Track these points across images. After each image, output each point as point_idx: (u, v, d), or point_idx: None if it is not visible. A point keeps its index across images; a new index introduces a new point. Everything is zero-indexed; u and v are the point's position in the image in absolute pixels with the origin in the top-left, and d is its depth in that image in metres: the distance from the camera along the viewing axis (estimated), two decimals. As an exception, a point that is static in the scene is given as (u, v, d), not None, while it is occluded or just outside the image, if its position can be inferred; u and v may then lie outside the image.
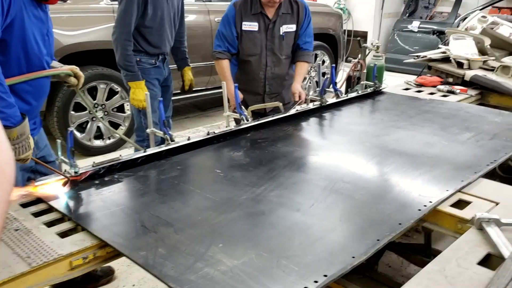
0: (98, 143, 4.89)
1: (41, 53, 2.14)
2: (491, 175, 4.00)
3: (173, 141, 2.40)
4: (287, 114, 3.03)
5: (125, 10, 3.27)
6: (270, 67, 3.30)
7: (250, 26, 3.20)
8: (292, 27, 3.26)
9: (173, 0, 3.53)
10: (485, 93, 4.04)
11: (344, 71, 6.31)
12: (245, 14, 3.20)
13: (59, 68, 2.23)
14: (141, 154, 2.30)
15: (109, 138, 4.92)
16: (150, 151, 2.33)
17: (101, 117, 4.75)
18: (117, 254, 1.66)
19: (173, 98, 5.08)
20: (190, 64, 3.92)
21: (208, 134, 2.59)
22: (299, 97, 3.24)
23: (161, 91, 3.67)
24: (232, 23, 3.23)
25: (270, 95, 3.44)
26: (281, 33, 3.23)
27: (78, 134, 4.72)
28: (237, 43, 3.28)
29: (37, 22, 2.06)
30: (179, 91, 3.98)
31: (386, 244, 2.62)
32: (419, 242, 2.83)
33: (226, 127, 2.74)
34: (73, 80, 2.28)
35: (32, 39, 2.05)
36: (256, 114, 3.06)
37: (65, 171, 2.03)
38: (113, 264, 2.83)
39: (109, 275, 2.85)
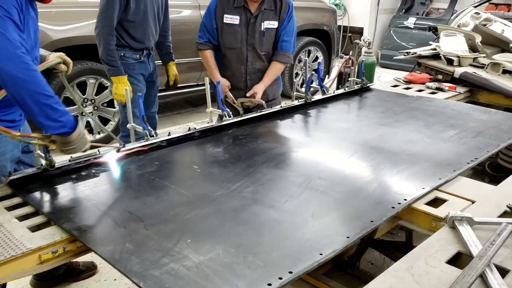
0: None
1: (37, 49, 2.17)
2: (481, 173, 4.01)
3: (152, 136, 2.40)
4: (271, 110, 3.02)
5: (107, 4, 3.26)
6: (251, 61, 3.28)
7: (231, 19, 3.18)
8: (274, 24, 3.22)
9: None
10: (475, 90, 4.03)
11: (338, 67, 6.31)
12: (227, 7, 3.19)
13: (49, 60, 2.24)
14: (119, 148, 2.30)
15: (99, 133, 4.91)
16: (128, 145, 2.33)
17: (90, 112, 4.74)
18: (87, 249, 1.66)
19: (164, 93, 5.10)
20: (182, 60, 3.89)
21: (189, 129, 2.59)
22: (254, 97, 3.20)
23: (146, 86, 3.66)
24: (213, 14, 3.22)
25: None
26: (262, 29, 3.20)
27: (67, 129, 4.70)
28: (217, 35, 3.27)
29: (31, 21, 2.07)
30: (163, 87, 3.96)
31: (368, 242, 2.67)
32: (403, 240, 2.83)
33: (208, 123, 2.73)
34: (63, 67, 2.29)
35: (32, 37, 2.07)
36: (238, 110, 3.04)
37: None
38: (96, 258, 2.84)
39: (91, 270, 2.85)
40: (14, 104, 2.04)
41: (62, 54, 2.30)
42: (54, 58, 2.25)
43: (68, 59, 2.30)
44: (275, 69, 3.31)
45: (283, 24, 3.24)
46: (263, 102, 3.00)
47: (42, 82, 1.86)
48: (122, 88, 3.37)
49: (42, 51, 2.31)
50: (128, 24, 3.38)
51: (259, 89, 3.23)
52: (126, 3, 3.30)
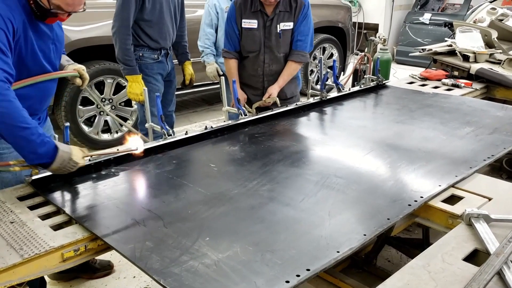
0: (105, 137, 4.95)
1: (50, 63, 2.15)
2: (498, 169, 3.98)
3: (170, 135, 2.43)
4: (286, 108, 3.04)
5: (123, 4, 3.31)
6: (268, 64, 3.29)
7: (249, 23, 3.22)
8: (289, 25, 3.23)
9: None
10: (491, 86, 4.00)
11: (353, 64, 6.29)
12: (245, 12, 3.23)
13: (65, 71, 2.26)
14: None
15: (117, 132, 4.98)
16: (146, 145, 2.36)
17: (111, 110, 4.81)
18: (108, 247, 1.70)
19: (181, 92, 5.14)
20: (198, 59, 3.93)
21: (205, 128, 2.62)
22: (269, 97, 3.22)
23: (164, 85, 3.70)
24: (233, 21, 3.27)
25: None
26: (278, 31, 3.22)
27: (86, 128, 4.78)
28: (238, 40, 3.31)
29: (41, 34, 2.06)
30: (179, 86, 4.00)
31: (384, 239, 2.68)
32: (420, 237, 2.83)
33: (224, 121, 2.76)
34: (78, 81, 2.29)
35: (39, 53, 2.05)
36: (256, 109, 3.08)
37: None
38: (116, 255, 2.88)
39: (106, 269, 2.88)
40: None
41: (81, 67, 2.29)
42: (71, 70, 2.25)
43: (86, 75, 2.29)
44: (290, 69, 3.31)
45: (297, 24, 3.25)
46: (277, 99, 3.02)
47: (18, 113, 1.80)
48: (136, 87, 3.42)
49: (64, 60, 2.31)
50: (145, 23, 3.42)
51: (273, 90, 3.25)
52: (142, 2, 3.34)
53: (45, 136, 1.87)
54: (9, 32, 1.87)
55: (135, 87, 3.43)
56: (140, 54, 3.48)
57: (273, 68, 3.31)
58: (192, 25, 4.87)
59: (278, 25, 3.21)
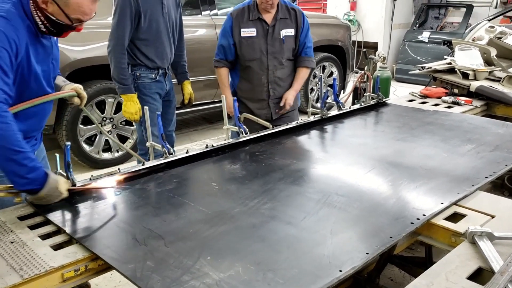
0: (106, 156, 4.95)
1: (49, 82, 2.17)
2: (500, 187, 3.97)
3: (171, 154, 2.43)
4: (287, 127, 3.04)
5: (118, 23, 3.32)
6: (272, 70, 3.39)
7: (248, 32, 3.33)
8: (291, 32, 3.38)
9: (169, 13, 3.55)
10: (492, 104, 4.00)
11: (353, 82, 6.32)
12: (243, 21, 3.33)
13: (63, 91, 2.25)
14: (139, 167, 2.33)
15: (117, 151, 4.99)
16: (148, 164, 2.36)
17: (109, 131, 4.82)
18: (108, 267, 1.69)
19: (181, 111, 5.16)
20: (198, 78, 3.93)
21: (206, 147, 2.62)
22: (284, 104, 3.40)
23: (162, 105, 3.70)
24: (229, 32, 3.36)
25: (274, 99, 3.48)
26: (281, 37, 3.35)
27: (87, 147, 4.79)
28: (233, 50, 3.40)
29: (42, 54, 2.08)
30: (179, 105, 4.01)
31: (387, 258, 2.65)
32: (423, 255, 2.81)
33: (225, 140, 2.76)
34: (76, 100, 2.28)
35: (40, 73, 2.07)
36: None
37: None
38: (116, 275, 2.86)
39: None
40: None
41: (78, 87, 2.28)
42: (69, 90, 2.24)
43: (83, 94, 2.29)
44: (303, 74, 3.49)
45: (303, 31, 3.41)
46: (270, 126, 2.97)
47: (14, 137, 1.81)
48: (131, 106, 3.42)
49: (60, 81, 2.31)
50: (141, 42, 3.43)
51: (289, 95, 3.42)
52: (138, 21, 3.36)
53: (37, 162, 1.88)
54: (13, 53, 1.88)
55: (130, 106, 3.44)
56: (138, 74, 3.49)
57: (277, 75, 3.41)
58: (191, 44, 4.91)
59: (280, 32, 3.34)
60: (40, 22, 1.99)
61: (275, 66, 3.38)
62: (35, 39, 2.02)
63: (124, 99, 3.47)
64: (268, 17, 3.32)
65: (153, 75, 3.54)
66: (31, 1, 1.97)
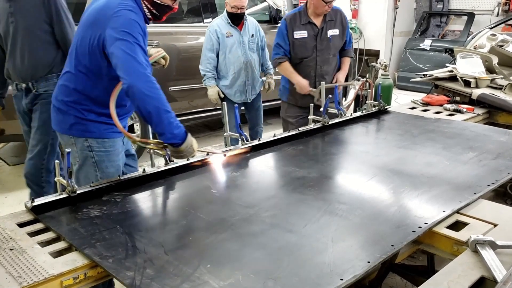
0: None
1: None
2: (503, 195, 3.94)
3: (172, 161, 2.42)
4: (288, 134, 3.04)
5: None
6: (320, 65, 3.96)
7: (300, 34, 3.90)
8: (336, 31, 3.98)
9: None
10: (493, 112, 3.99)
11: (355, 89, 6.30)
12: (295, 25, 3.90)
13: (154, 55, 2.51)
14: (139, 174, 2.32)
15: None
16: (148, 171, 2.36)
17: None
18: (108, 275, 1.67)
19: (183, 118, 5.16)
20: (200, 86, 3.92)
21: (207, 154, 2.61)
22: (336, 81, 4.05)
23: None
24: (285, 34, 3.91)
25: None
26: (328, 36, 3.93)
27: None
28: (289, 50, 3.94)
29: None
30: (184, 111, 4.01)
31: (389, 266, 2.63)
32: (425, 264, 2.79)
33: (226, 147, 2.75)
34: (162, 61, 2.58)
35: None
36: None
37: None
38: (116, 282, 2.84)
39: None
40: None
41: (161, 49, 2.58)
42: (155, 52, 2.52)
43: (166, 55, 2.59)
44: (347, 62, 4.20)
45: (347, 30, 4.07)
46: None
47: (164, 99, 2.16)
48: None
49: None
50: None
51: (340, 75, 4.09)
52: None
53: (179, 121, 2.22)
54: (143, 35, 2.23)
55: None
56: None
57: (324, 69, 3.99)
58: (193, 52, 4.93)
59: (327, 31, 3.93)
60: (147, 11, 2.35)
61: (322, 61, 3.95)
62: (145, 27, 2.31)
63: None
64: (318, 21, 3.92)
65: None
66: None
